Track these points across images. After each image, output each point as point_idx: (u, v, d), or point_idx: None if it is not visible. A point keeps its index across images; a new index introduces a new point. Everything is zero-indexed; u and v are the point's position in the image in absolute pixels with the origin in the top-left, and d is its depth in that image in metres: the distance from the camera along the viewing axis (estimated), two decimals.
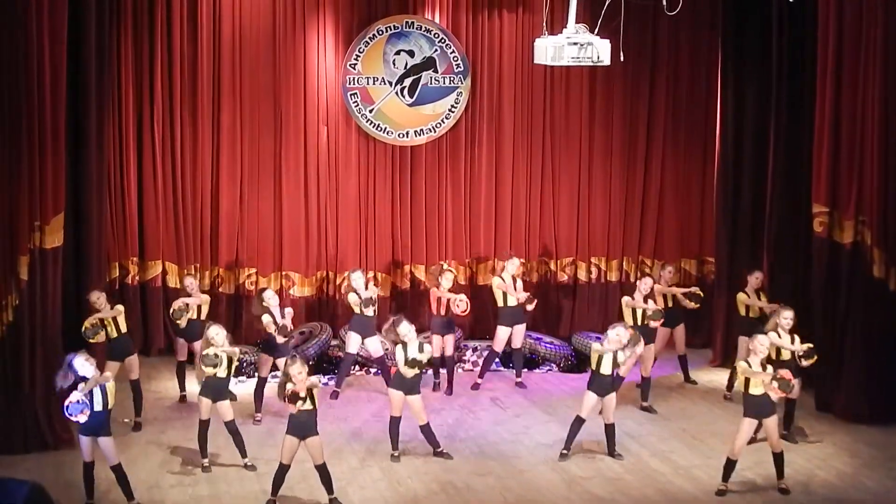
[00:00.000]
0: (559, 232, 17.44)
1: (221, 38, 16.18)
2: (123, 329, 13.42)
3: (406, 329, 12.50)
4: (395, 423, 12.64)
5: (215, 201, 16.47)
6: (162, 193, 16.22)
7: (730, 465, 11.89)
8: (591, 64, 12.55)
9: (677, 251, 17.54)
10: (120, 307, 13.44)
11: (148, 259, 16.19)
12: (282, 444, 11.42)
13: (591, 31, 12.57)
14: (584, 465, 12.49)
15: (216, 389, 12.26)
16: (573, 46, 12.31)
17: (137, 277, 16.18)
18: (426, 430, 12.65)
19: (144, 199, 16.20)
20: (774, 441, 11.90)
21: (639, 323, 14.24)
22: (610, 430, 12.73)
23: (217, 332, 12.31)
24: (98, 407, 11.19)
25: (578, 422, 12.61)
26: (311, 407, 11.36)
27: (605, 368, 12.50)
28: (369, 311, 14.58)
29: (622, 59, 13.23)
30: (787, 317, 12.80)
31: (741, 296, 14.79)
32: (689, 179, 17.57)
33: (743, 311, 14.81)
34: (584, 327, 16.97)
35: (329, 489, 11.49)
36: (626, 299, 14.66)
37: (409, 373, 12.35)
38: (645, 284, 14.65)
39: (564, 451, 12.65)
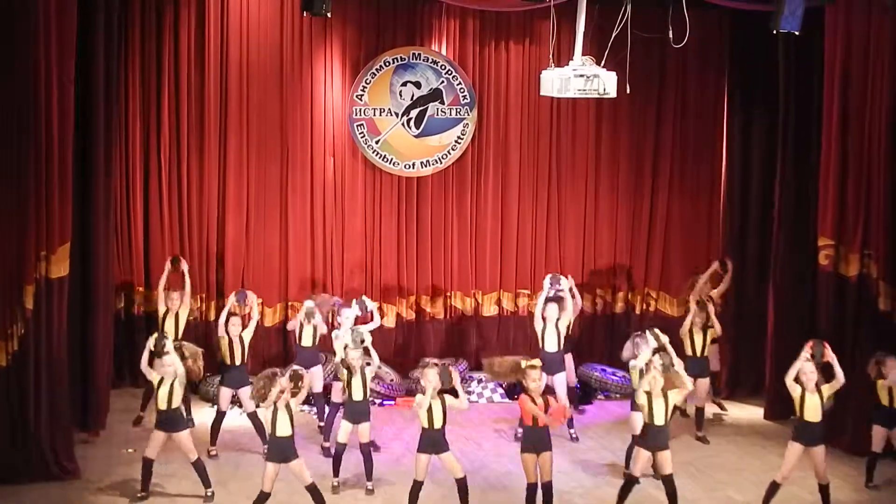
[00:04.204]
0: (564, 264, 17.41)
1: (228, 68, 16.23)
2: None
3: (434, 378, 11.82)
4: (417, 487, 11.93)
5: (221, 231, 16.48)
6: (168, 223, 16.23)
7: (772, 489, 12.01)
8: (598, 96, 12.56)
9: (683, 284, 17.48)
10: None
11: (154, 288, 16.15)
12: (263, 471, 11.46)
13: (598, 64, 12.60)
14: (587, 496, 12.45)
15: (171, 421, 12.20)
16: (580, 78, 12.33)
17: (143, 307, 16.18)
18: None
19: (150, 228, 16.21)
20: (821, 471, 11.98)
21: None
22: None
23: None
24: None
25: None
26: (289, 433, 11.39)
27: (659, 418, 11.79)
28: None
29: (628, 91, 13.25)
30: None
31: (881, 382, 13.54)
32: (696, 212, 17.56)
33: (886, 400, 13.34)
34: (589, 359, 16.96)
35: None
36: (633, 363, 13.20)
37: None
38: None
39: None
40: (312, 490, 11.53)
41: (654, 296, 17.62)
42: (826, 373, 12.08)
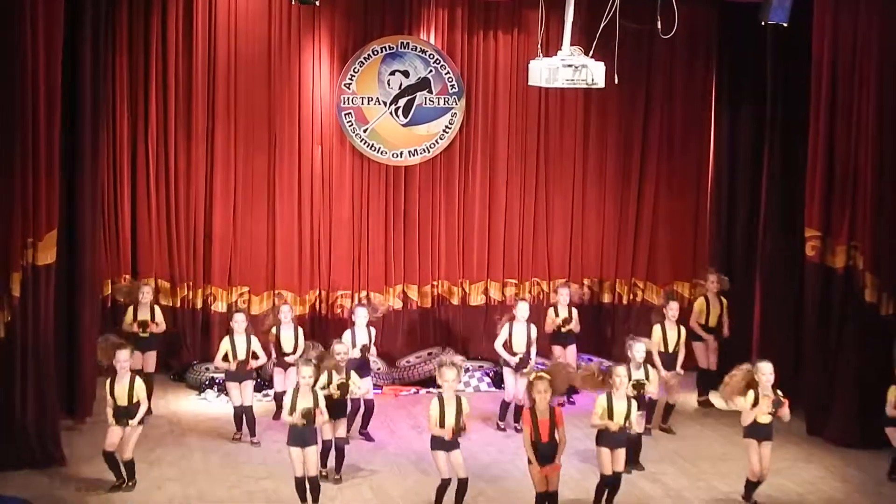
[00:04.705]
0: (552, 253, 17.47)
1: (216, 57, 16.19)
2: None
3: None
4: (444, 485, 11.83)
5: (208, 219, 16.46)
6: (155, 211, 16.20)
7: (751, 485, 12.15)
8: (586, 86, 12.57)
9: (670, 274, 17.56)
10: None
11: (140, 276, 16.12)
12: (289, 456, 11.58)
13: (586, 54, 12.61)
14: (574, 486, 12.48)
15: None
16: (568, 69, 12.33)
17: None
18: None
19: (138, 216, 16.19)
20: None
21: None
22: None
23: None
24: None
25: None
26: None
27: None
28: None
29: (616, 81, 13.25)
30: None
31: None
32: (683, 202, 17.59)
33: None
34: (578, 349, 16.96)
35: (315, 500, 11.59)
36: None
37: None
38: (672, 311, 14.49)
39: None
40: (313, 482, 11.58)
41: (641, 286, 17.65)
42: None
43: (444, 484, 11.60)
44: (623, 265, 17.71)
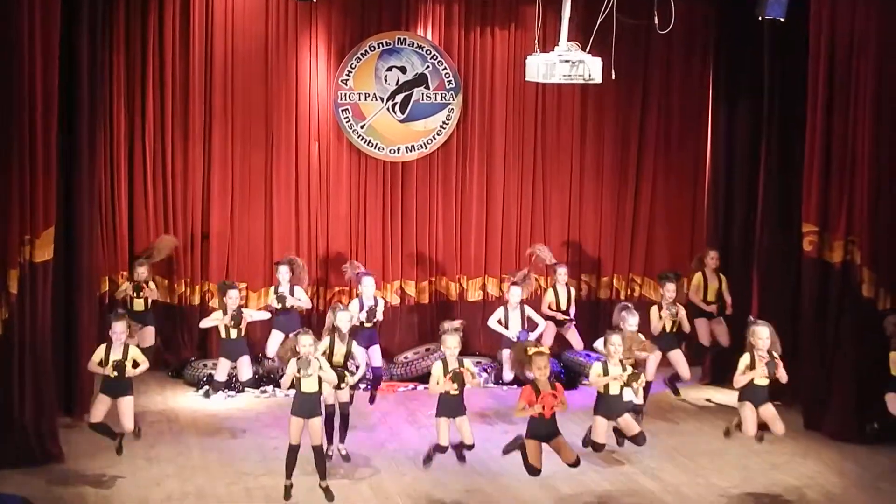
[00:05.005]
0: (550, 248, 17.43)
1: (213, 53, 16.19)
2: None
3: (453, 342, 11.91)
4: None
5: (206, 216, 16.46)
6: (152, 208, 16.21)
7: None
8: (583, 82, 12.60)
9: (667, 268, 17.52)
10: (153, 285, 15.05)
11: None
12: (288, 425, 11.64)
13: (583, 49, 12.61)
14: (571, 481, 12.48)
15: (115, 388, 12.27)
16: (565, 64, 12.36)
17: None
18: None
19: (135, 213, 16.19)
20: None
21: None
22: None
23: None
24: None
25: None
26: (315, 389, 11.53)
27: (614, 388, 12.18)
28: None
29: (614, 77, 13.27)
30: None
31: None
32: (680, 197, 17.61)
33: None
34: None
35: (322, 475, 11.63)
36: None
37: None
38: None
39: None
40: (318, 451, 11.64)
41: (638, 281, 17.68)
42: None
43: (441, 448, 11.76)
44: (620, 260, 17.73)
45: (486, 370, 16.35)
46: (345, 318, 12.82)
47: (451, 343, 11.76)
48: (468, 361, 12.02)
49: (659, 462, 13.26)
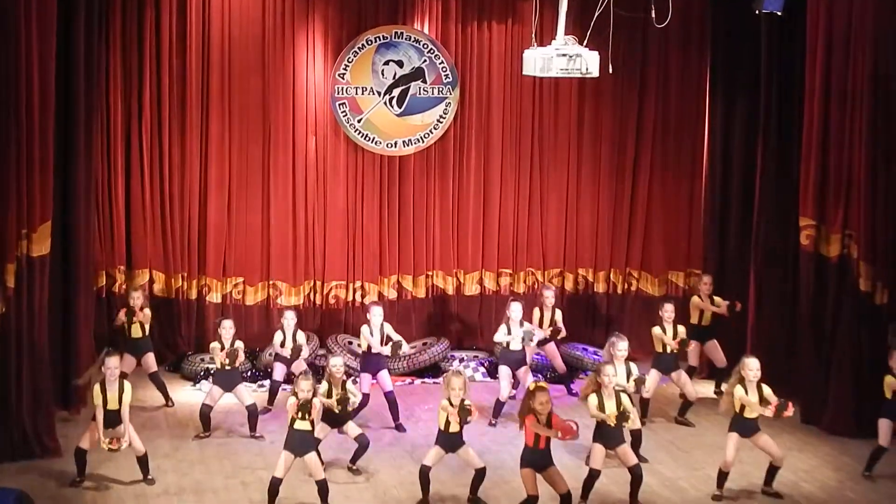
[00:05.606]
0: (547, 243, 17.47)
1: (210, 47, 16.16)
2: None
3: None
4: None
5: (203, 210, 16.45)
6: (150, 202, 16.19)
7: (722, 476, 12.16)
8: (580, 76, 12.58)
9: (665, 263, 17.58)
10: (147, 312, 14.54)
11: (135, 268, 16.15)
12: (279, 458, 11.51)
13: (581, 43, 12.60)
14: (568, 476, 12.46)
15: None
16: (562, 58, 12.34)
17: (124, 286, 16.11)
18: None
19: (132, 207, 16.17)
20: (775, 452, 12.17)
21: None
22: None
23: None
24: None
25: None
26: (307, 427, 11.47)
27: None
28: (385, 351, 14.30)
29: (611, 71, 13.26)
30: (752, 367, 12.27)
31: (694, 300, 15.25)
32: (678, 191, 17.59)
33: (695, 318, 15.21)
34: (572, 339, 16.96)
35: (324, 502, 11.59)
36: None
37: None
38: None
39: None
40: (321, 485, 11.58)
41: (635, 275, 17.66)
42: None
43: (424, 470, 11.74)
44: (617, 254, 17.71)
45: (482, 364, 16.33)
46: (338, 363, 12.68)
47: (456, 384, 11.68)
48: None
49: (657, 456, 13.28)
